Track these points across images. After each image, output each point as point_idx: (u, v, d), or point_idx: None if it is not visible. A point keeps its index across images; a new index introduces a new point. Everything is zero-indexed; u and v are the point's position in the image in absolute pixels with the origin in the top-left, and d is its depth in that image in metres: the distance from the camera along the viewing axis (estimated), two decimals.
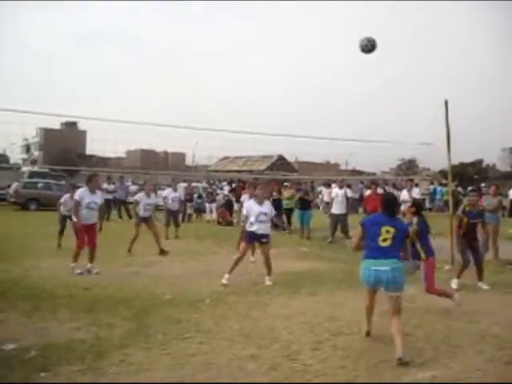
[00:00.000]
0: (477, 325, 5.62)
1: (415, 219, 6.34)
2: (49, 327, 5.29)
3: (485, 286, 7.64)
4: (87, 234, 8.50)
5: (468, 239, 7.80)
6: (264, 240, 7.81)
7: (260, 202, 7.87)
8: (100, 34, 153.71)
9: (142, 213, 10.74)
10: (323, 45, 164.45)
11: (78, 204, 8.44)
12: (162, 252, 10.62)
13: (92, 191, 8.58)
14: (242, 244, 7.84)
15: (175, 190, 14.51)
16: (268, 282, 7.69)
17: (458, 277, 7.71)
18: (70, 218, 10.29)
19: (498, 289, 7.53)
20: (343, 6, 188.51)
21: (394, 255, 4.81)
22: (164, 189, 18.25)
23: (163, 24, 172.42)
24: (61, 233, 11.16)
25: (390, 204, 5.06)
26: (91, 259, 8.47)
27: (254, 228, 7.74)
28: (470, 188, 9.42)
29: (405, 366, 4.37)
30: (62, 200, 11.27)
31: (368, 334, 5.21)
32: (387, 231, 4.81)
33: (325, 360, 4.48)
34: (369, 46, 8.05)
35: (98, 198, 8.71)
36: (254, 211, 7.75)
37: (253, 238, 7.82)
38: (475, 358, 4.59)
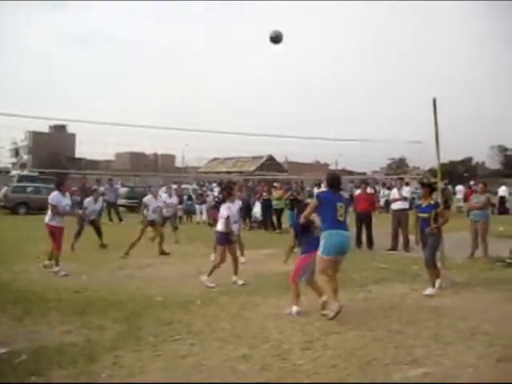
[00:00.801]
0: (467, 322, 5.65)
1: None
2: (39, 331, 5.26)
3: (427, 291, 7.09)
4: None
5: (423, 234, 7.47)
6: (234, 239, 7.99)
7: (233, 203, 8.02)
8: (100, 35, 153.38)
9: (150, 215, 10.88)
10: (323, 45, 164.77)
11: (56, 208, 8.52)
12: (164, 253, 10.85)
13: (63, 194, 8.81)
14: (220, 247, 7.80)
15: (170, 195, 13.45)
16: (240, 282, 7.76)
17: (437, 276, 7.34)
18: (91, 221, 11.74)
19: (488, 286, 7.55)
20: (343, 5, 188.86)
21: (346, 226, 6.02)
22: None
23: (163, 24, 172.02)
24: (78, 234, 11.36)
25: (335, 181, 6.13)
26: (51, 257, 8.67)
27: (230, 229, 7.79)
28: (422, 182, 9.49)
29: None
30: (85, 204, 11.81)
31: (340, 308, 5.57)
32: (340, 207, 5.88)
33: (316, 359, 4.48)
34: (275, 37, 8.16)
35: (69, 200, 9.03)
36: (232, 213, 7.86)
37: (227, 240, 7.82)
38: (466, 354, 4.62)
